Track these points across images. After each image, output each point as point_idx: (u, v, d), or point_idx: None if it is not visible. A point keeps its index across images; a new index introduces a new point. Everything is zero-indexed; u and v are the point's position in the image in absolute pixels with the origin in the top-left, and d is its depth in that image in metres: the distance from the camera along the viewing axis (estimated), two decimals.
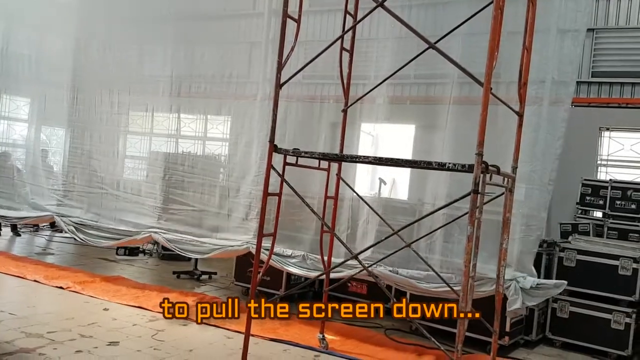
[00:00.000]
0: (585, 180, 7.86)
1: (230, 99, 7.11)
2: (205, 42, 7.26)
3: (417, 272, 4.81)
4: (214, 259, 6.73)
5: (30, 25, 8.76)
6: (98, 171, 7.23)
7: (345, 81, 4.92)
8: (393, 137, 8.51)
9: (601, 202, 7.82)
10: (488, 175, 3.58)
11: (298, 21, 4.31)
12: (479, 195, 3.35)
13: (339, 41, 4.74)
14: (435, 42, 3.90)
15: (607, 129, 9.26)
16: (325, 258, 4.94)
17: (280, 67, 4.17)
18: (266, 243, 4.65)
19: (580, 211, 7.96)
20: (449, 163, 3.65)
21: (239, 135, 6.60)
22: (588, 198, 7.83)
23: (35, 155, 8.00)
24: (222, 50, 7.16)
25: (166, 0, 7.62)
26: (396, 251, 4.58)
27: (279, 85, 4.17)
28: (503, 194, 4.11)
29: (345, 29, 4.78)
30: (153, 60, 7.70)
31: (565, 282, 4.72)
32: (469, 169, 3.36)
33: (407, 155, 7.35)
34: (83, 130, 8.02)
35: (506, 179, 4.02)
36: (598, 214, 8.04)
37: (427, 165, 3.87)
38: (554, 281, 4.82)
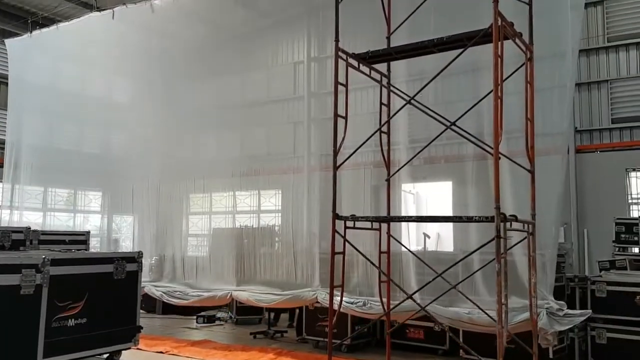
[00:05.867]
0: (618, 219, 9.08)
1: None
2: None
3: (463, 309, 6.04)
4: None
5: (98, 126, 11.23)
6: None
7: (385, 156, 6.35)
8: (432, 193, 9.76)
9: (635, 238, 9.00)
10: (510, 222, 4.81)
11: (346, 118, 5.77)
12: (501, 239, 4.57)
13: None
14: (455, 121, 5.23)
15: (634, 170, 10.55)
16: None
17: (335, 153, 5.61)
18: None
19: (617, 248, 9.15)
20: (475, 216, 4.99)
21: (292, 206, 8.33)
22: (623, 235, 9.03)
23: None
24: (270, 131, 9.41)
25: (217, 92, 9.27)
26: (444, 293, 5.81)
27: (335, 167, 5.62)
28: (526, 238, 5.28)
29: (381, 115, 7.03)
30: (209, 147, 9.39)
31: (590, 311, 5.95)
32: (491, 219, 4.62)
33: (448, 209, 8.56)
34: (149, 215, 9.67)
35: (526, 225, 5.20)
36: (635, 249, 9.15)
37: (458, 219, 5.24)
38: (579, 311, 5.99)
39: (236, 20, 9.91)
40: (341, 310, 7.26)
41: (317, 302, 8.28)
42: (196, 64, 10.39)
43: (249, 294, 8.86)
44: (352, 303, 7.78)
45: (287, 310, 10.91)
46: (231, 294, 9.05)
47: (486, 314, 5.88)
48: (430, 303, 6.55)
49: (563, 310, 6.69)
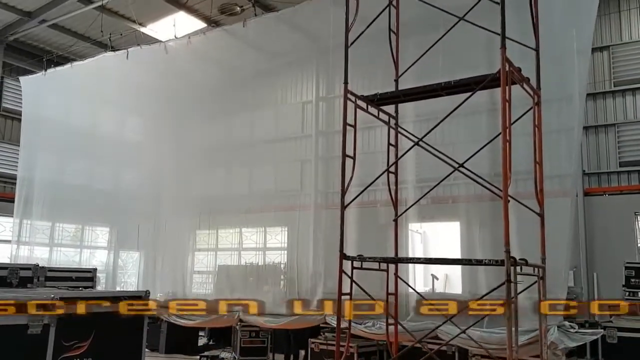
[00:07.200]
0: (627, 263, 8.98)
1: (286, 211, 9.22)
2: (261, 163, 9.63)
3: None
4: None
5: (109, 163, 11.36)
6: None
7: (393, 195, 6.32)
8: (440, 233, 9.56)
9: None
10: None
11: (354, 158, 5.80)
12: (511, 283, 4.53)
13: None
14: (463, 163, 5.23)
15: None
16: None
17: (343, 193, 5.61)
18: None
19: (627, 293, 8.93)
20: (485, 260, 4.93)
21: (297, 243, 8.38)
22: (633, 280, 8.85)
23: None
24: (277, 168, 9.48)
25: (226, 131, 9.34)
26: (452, 338, 5.70)
27: (343, 207, 5.60)
28: (536, 282, 5.23)
29: (389, 155, 7.00)
30: (216, 184, 9.41)
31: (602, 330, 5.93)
32: (501, 263, 4.59)
33: (455, 249, 8.50)
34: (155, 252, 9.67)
35: (536, 268, 5.17)
36: None
37: (467, 262, 5.16)
38: (591, 330, 5.98)
39: (247, 62, 10.14)
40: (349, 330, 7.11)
41: (325, 322, 8.17)
42: (207, 103, 10.63)
43: (257, 316, 8.85)
44: (359, 323, 7.65)
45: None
46: (239, 315, 9.02)
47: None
48: (439, 348, 6.70)
49: (575, 328, 6.56)
